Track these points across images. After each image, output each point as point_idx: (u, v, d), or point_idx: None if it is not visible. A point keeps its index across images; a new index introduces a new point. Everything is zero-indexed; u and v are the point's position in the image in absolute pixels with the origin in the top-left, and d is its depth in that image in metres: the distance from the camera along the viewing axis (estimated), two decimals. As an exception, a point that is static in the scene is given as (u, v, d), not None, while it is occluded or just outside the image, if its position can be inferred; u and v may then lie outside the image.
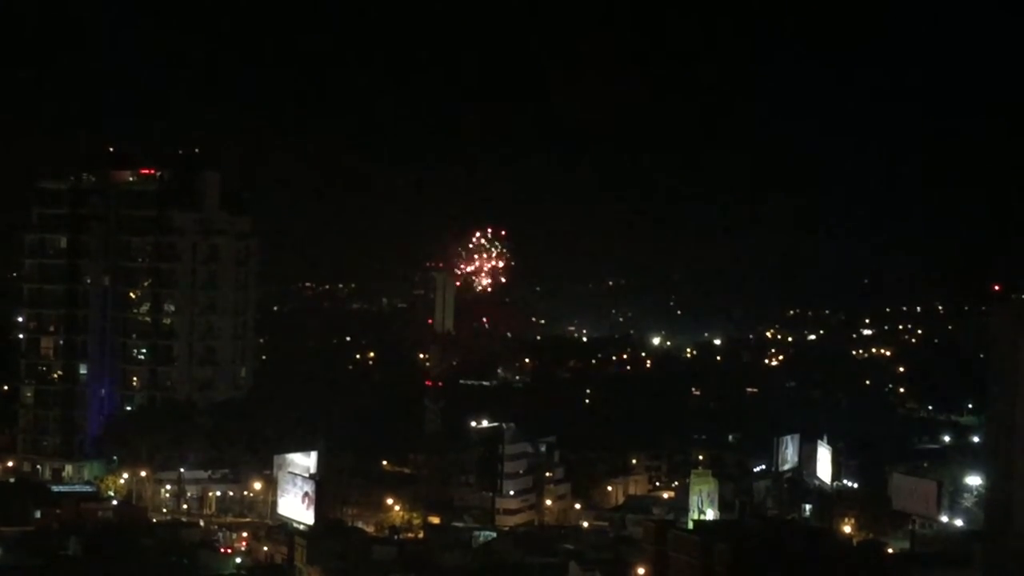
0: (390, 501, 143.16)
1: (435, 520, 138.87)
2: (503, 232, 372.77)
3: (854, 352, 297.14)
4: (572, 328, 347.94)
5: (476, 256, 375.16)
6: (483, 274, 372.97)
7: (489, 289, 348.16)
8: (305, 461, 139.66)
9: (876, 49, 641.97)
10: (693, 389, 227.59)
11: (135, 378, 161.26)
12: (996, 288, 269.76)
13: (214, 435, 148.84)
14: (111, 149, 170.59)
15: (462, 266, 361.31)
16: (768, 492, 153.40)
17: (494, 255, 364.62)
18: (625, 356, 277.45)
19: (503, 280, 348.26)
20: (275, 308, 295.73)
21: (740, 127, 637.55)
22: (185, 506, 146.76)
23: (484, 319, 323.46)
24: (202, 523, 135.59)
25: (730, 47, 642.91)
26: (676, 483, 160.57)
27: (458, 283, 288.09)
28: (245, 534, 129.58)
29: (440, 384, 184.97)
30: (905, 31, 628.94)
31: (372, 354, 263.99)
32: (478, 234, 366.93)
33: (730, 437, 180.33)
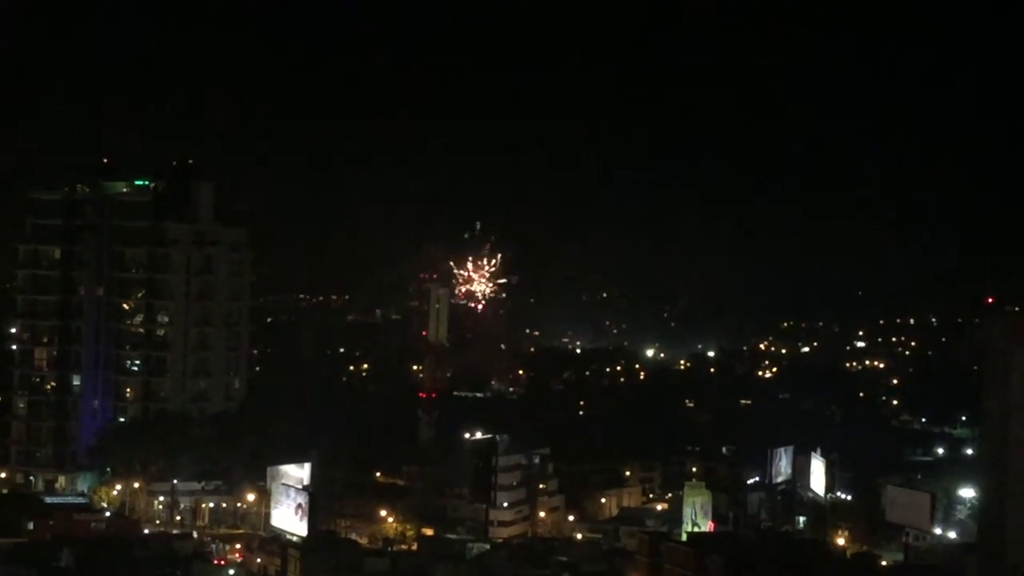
0: (383, 513, 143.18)
1: (428, 532, 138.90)
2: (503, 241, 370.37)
3: (848, 364, 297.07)
4: (566, 339, 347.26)
5: (472, 266, 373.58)
6: (478, 284, 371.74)
7: (483, 304, 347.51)
8: (298, 473, 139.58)
9: (878, 50, 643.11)
10: (687, 401, 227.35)
11: (128, 389, 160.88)
12: (989, 300, 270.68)
13: (207, 446, 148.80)
14: (105, 160, 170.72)
15: (457, 277, 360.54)
16: (762, 504, 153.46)
17: (491, 263, 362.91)
18: (619, 368, 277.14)
19: (499, 288, 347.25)
20: (269, 319, 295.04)
21: (735, 135, 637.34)
22: (178, 518, 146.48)
23: (478, 331, 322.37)
24: (195, 535, 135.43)
25: (736, 55, 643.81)
26: (670, 495, 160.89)
27: (457, 291, 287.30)
28: (238, 546, 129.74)
29: (434, 395, 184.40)
30: (903, 36, 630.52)
31: (366, 365, 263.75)
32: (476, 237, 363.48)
33: (724, 449, 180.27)
